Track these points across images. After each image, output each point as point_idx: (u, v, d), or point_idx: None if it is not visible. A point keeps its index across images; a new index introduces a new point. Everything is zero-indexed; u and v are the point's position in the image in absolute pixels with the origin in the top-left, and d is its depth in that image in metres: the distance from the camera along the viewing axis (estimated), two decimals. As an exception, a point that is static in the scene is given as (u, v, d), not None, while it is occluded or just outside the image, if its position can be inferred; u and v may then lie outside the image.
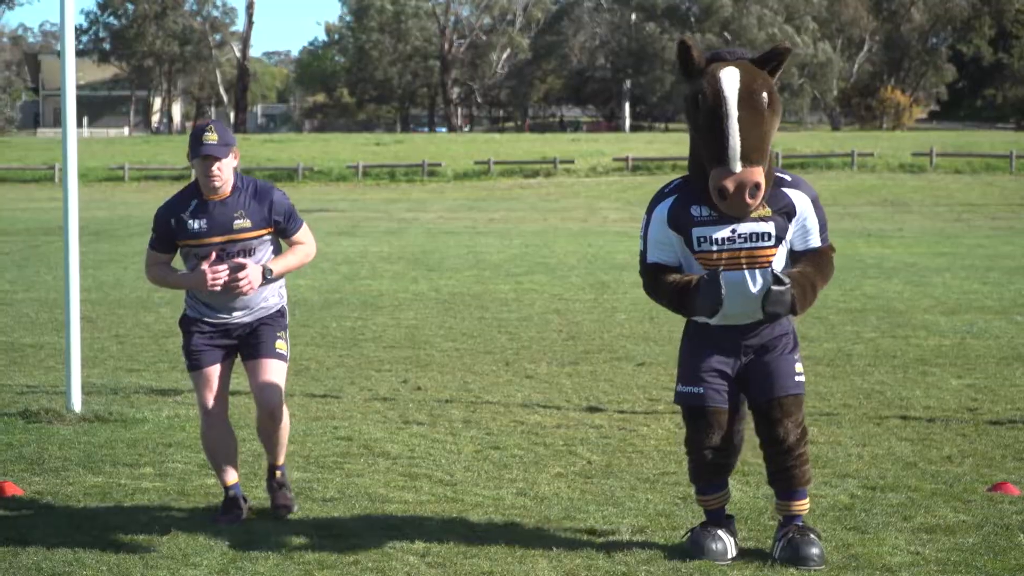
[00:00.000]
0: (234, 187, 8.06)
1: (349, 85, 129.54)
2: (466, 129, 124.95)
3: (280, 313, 8.28)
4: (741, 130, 7.00)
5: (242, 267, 7.94)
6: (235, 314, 8.14)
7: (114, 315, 18.52)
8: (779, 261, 7.31)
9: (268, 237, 8.12)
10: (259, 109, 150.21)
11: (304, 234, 8.25)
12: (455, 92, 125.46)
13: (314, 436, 10.54)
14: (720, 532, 7.48)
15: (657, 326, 17.43)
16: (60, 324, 16.22)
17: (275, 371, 8.18)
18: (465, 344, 15.94)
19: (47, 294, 20.98)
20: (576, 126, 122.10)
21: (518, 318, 18.35)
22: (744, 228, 7.22)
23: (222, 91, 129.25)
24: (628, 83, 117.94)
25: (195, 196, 8.08)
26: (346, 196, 53.73)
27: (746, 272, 7.24)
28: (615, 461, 9.89)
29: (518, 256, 28.70)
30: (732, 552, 7.46)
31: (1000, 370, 13.96)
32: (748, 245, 7.23)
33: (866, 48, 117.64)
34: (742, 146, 6.99)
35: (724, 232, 7.22)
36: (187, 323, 8.23)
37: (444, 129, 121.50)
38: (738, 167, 6.99)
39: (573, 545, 7.67)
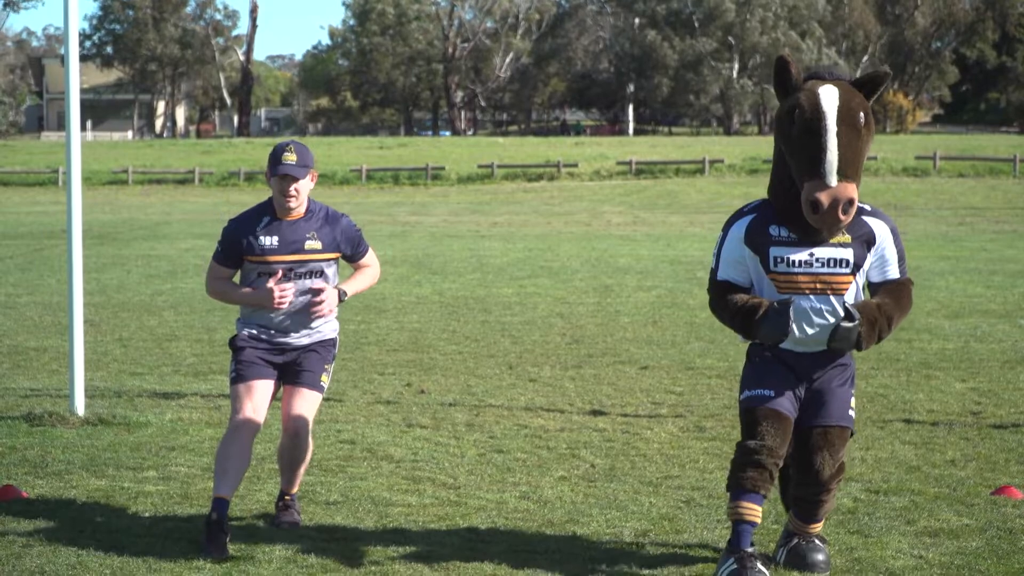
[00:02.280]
0: (307, 210, 8.07)
1: (352, 88, 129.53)
2: (470, 132, 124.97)
3: (332, 343, 8.27)
4: (839, 144, 6.88)
5: (320, 291, 7.96)
6: (292, 335, 8.10)
7: (117, 318, 18.52)
8: (853, 290, 7.17)
9: (334, 260, 8.15)
10: (263, 113, 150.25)
11: (370, 257, 8.33)
12: (459, 95, 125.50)
13: (317, 439, 10.53)
14: (759, 565, 7.05)
15: (661, 330, 17.43)
16: (63, 327, 16.23)
17: (311, 402, 8.15)
18: (468, 347, 15.94)
19: (51, 297, 20.99)
20: (578, 130, 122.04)
21: (521, 321, 18.35)
22: (822, 253, 7.09)
23: (226, 95, 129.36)
24: (631, 87, 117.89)
25: (268, 213, 8.05)
26: (349, 199, 53.73)
27: (819, 298, 7.09)
28: (618, 465, 9.89)
29: (521, 260, 28.71)
30: None
31: (1004, 374, 13.96)
32: (825, 270, 7.09)
33: (869, 52, 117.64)
34: (839, 159, 6.86)
35: (802, 255, 7.09)
36: (239, 342, 8.13)
37: (448, 132, 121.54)
38: (834, 181, 6.85)
39: (576, 549, 7.67)
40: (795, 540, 7.41)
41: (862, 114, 6.99)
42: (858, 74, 7.32)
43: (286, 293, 7.91)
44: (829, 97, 6.97)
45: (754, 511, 7.08)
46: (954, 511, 8.50)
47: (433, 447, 10.46)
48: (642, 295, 21.25)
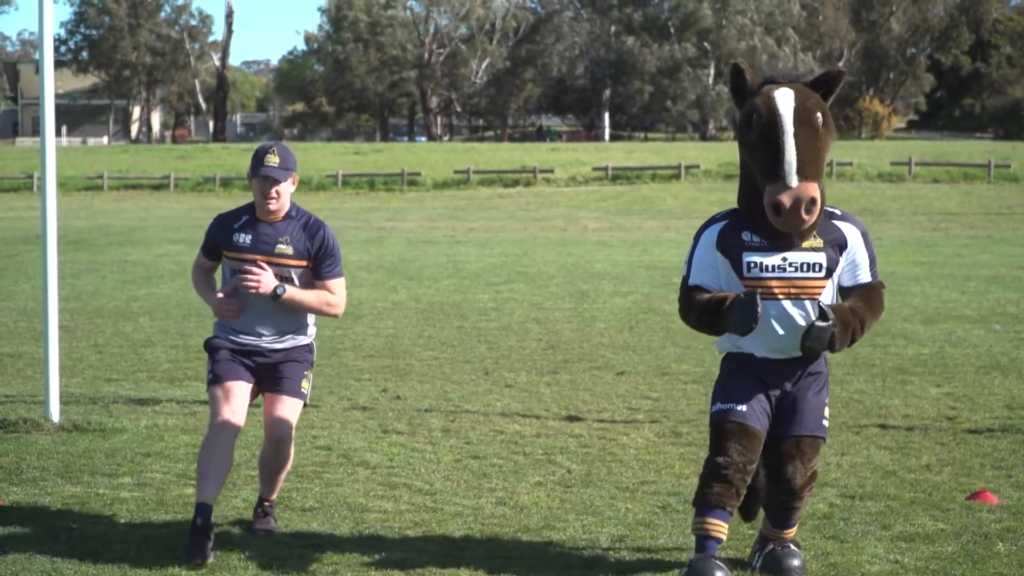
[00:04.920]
0: (287, 214, 8.04)
1: (328, 94, 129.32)
2: (446, 138, 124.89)
3: (308, 349, 8.23)
4: (797, 145, 6.88)
5: (260, 267, 7.91)
6: (264, 340, 8.07)
7: (92, 324, 18.47)
8: (827, 294, 7.17)
9: (304, 269, 8.06)
10: (238, 118, 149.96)
11: (336, 285, 8.11)
12: (434, 101, 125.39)
13: (293, 446, 10.51)
14: (720, 562, 7.08)
15: (637, 335, 17.44)
16: (38, 333, 16.16)
17: (293, 409, 8.13)
18: (444, 353, 15.93)
19: (25, 303, 20.92)
20: (554, 136, 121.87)
21: (497, 327, 18.35)
22: (795, 257, 7.08)
23: (201, 100, 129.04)
24: (607, 93, 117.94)
25: (248, 212, 8.08)
26: (325, 205, 53.61)
27: (793, 303, 7.08)
28: (594, 470, 9.89)
29: (498, 265, 28.69)
30: None
31: (979, 379, 14.00)
32: (799, 275, 7.08)
33: (845, 58, 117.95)
34: (798, 160, 6.87)
35: (775, 260, 7.08)
36: (214, 342, 8.14)
37: (424, 138, 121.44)
38: (794, 181, 6.85)
39: (552, 555, 7.66)
40: (770, 546, 7.43)
41: (819, 114, 7.00)
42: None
43: (249, 279, 7.87)
44: (785, 99, 6.99)
45: (719, 527, 7.08)
46: (929, 516, 8.52)
47: (409, 453, 10.45)
48: (618, 301, 21.27)
